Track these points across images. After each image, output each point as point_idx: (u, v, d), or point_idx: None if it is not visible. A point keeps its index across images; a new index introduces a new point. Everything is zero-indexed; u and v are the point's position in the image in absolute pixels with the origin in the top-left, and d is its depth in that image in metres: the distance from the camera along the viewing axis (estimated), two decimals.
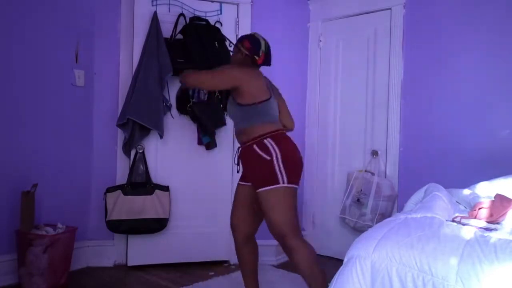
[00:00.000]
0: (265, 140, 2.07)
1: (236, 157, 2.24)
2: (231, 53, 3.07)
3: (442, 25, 2.90)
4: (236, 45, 2.27)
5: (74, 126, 2.92)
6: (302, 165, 2.17)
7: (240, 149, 2.20)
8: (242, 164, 2.20)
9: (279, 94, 2.36)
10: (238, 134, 2.21)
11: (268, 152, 2.04)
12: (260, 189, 2.04)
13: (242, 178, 2.28)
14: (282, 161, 2.02)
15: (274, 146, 2.05)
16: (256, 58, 2.19)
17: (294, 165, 2.09)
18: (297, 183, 2.10)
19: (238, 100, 2.12)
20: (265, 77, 2.26)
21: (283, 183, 2.01)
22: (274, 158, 2.03)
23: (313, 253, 2.05)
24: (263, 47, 2.20)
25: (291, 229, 2.03)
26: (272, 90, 2.26)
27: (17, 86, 2.61)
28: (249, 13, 3.21)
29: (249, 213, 2.23)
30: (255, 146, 2.07)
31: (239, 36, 3.16)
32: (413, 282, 1.30)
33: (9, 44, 2.56)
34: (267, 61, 2.25)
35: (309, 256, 2.02)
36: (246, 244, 2.29)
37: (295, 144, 2.19)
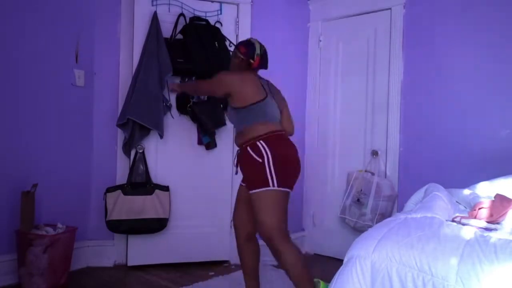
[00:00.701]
0: (257, 142, 2.09)
1: (235, 159, 2.27)
2: (231, 53, 3.09)
3: (442, 25, 2.90)
4: (233, 51, 2.34)
5: (74, 126, 2.92)
6: (297, 168, 2.18)
7: (238, 151, 2.24)
8: (239, 166, 2.23)
9: (282, 98, 2.37)
10: (236, 136, 2.26)
11: (260, 154, 2.06)
12: (252, 191, 2.08)
13: (242, 179, 2.30)
14: (274, 164, 2.03)
15: (266, 148, 2.06)
16: (252, 61, 2.23)
17: (287, 168, 2.10)
18: (289, 186, 2.11)
19: (232, 103, 2.18)
20: (263, 80, 2.29)
21: (273, 186, 2.03)
22: (265, 161, 2.04)
23: (299, 256, 2.09)
24: (258, 51, 2.24)
25: (278, 232, 2.06)
26: (271, 91, 2.27)
27: (17, 86, 2.61)
28: (249, 13, 3.21)
29: (249, 213, 2.24)
30: (248, 148, 2.10)
31: (239, 36, 3.18)
32: (413, 282, 1.30)
33: (9, 44, 2.56)
34: (263, 64, 2.29)
35: (295, 259, 2.06)
36: (247, 244, 2.31)
37: (293, 146, 2.19)
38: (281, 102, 2.33)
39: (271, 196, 2.05)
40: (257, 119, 2.12)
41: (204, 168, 3.15)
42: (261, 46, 2.27)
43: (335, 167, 3.45)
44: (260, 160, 2.05)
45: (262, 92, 2.18)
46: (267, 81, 2.34)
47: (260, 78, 2.30)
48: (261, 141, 2.08)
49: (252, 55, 2.23)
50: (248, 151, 2.09)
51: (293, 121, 2.42)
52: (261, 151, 2.06)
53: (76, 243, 2.74)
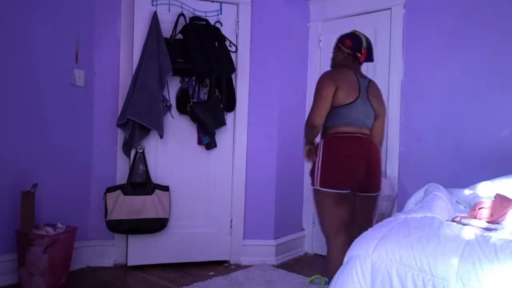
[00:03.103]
0: (321, 141, 2.14)
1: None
2: (230, 53, 3.09)
3: (442, 25, 2.90)
4: (336, 45, 2.27)
5: (74, 126, 2.92)
6: (360, 168, 2.10)
7: None
8: None
9: (381, 103, 2.28)
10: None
11: (317, 153, 2.12)
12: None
13: None
14: (322, 164, 2.08)
15: (323, 148, 2.11)
16: (359, 55, 2.19)
17: (341, 168, 2.08)
18: (335, 187, 2.08)
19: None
20: (363, 78, 2.22)
21: (316, 185, 2.10)
22: (317, 160, 2.10)
23: (338, 258, 1.99)
24: (364, 44, 2.20)
25: (325, 230, 2.13)
26: (368, 92, 2.20)
27: (17, 86, 2.61)
28: (249, 13, 3.21)
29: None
30: (316, 146, 2.18)
31: (239, 36, 3.17)
32: (413, 282, 1.30)
33: (9, 44, 2.56)
34: (369, 57, 2.25)
35: (333, 260, 2.07)
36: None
37: (365, 147, 2.13)
38: (379, 107, 2.25)
39: (316, 194, 2.13)
40: (338, 120, 2.12)
41: (204, 168, 3.15)
42: (367, 39, 2.23)
43: None
44: (315, 159, 2.12)
45: (355, 93, 2.13)
46: (370, 80, 2.26)
47: (360, 75, 2.22)
48: (324, 140, 2.13)
49: (359, 49, 2.18)
50: (314, 150, 2.17)
51: (383, 132, 2.32)
52: (319, 150, 2.12)
53: (76, 243, 2.74)
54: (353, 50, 2.18)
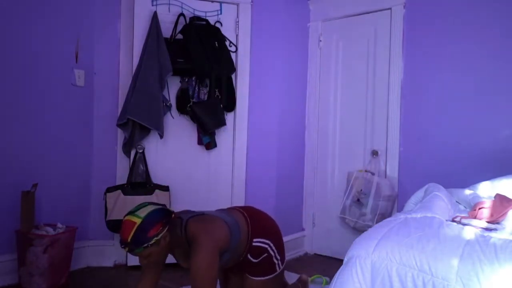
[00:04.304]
0: None
1: None
2: (230, 53, 3.09)
3: (442, 25, 2.90)
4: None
5: (74, 126, 2.92)
6: None
7: None
8: None
9: None
10: None
11: None
12: None
13: None
14: None
15: None
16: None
17: None
18: None
19: None
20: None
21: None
22: None
23: None
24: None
25: None
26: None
27: (17, 86, 2.61)
28: (249, 13, 3.21)
29: None
30: None
31: (239, 36, 3.17)
32: (413, 282, 1.30)
33: (9, 44, 2.56)
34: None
35: None
36: None
37: None
38: None
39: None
40: None
41: (204, 168, 3.15)
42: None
43: (335, 167, 3.45)
44: None
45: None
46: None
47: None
48: None
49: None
50: None
51: None
52: None
53: (76, 243, 2.74)
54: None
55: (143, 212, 1.74)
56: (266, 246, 2.01)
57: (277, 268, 2.05)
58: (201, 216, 1.92)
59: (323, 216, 3.49)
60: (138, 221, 1.71)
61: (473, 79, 2.78)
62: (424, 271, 1.29)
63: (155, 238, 1.71)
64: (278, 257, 2.05)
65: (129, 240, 1.69)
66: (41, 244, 2.41)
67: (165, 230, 1.75)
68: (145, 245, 1.70)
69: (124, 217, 1.77)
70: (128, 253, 2.94)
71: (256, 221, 2.05)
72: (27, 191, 2.50)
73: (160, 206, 1.81)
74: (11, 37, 2.57)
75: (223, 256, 1.86)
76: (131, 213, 1.76)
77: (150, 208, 1.77)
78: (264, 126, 3.25)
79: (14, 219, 2.53)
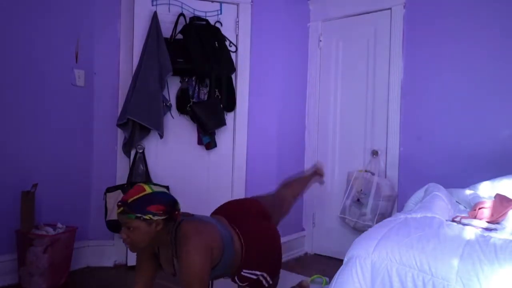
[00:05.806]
0: None
1: None
2: (230, 53, 3.09)
3: (442, 24, 2.90)
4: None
5: (74, 126, 2.91)
6: None
7: None
8: None
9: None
10: None
11: None
12: None
13: None
14: None
15: None
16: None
17: None
18: None
19: None
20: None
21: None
22: None
23: None
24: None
25: None
26: None
27: (17, 86, 2.61)
28: (249, 13, 3.21)
29: None
30: None
31: (239, 36, 3.17)
32: (413, 282, 1.30)
33: (9, 44, 2.56)
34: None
35: None
36: None
37: None
38: None
39: None
40: None
41: (204, 168, 3.15)
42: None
43: (335, 167, 3.45)
44: None
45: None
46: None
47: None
48: None
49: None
50: None
51: None
52: None
53: (76, 243, 2.74)
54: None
55: (157, 188, 1.75)
56: (258, 276, 1.93)
57: (265, 284, 1.95)
58: (197, 219, 1.90)
59: (323, 216, 3.49)
60: (148, 191, 1.70)
61: (473, 79, 2.78)
62: (424, 271, 1.29)
63: (150, 216, 1.66)
64: (270, 282, 1.96)
65: (129, 201, 1.67)
66: (41, 244, 2.41)
67: (163, 217, 1.70)
68: (139, 214, 1.65)
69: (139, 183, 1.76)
70: (128, 253, 2.95)
71: (252, 251, 1.93)
72: (27, 191, 2.50)
73: (174, 198, 1.80)
74: (11, 37, 2.57)
75: (214, 270, 1.81)
76: (147, 183, 1.75)
77: (165, 191, 1.79)
78: (264, 126, 3.25)
79: (14, 219, 2.53)
